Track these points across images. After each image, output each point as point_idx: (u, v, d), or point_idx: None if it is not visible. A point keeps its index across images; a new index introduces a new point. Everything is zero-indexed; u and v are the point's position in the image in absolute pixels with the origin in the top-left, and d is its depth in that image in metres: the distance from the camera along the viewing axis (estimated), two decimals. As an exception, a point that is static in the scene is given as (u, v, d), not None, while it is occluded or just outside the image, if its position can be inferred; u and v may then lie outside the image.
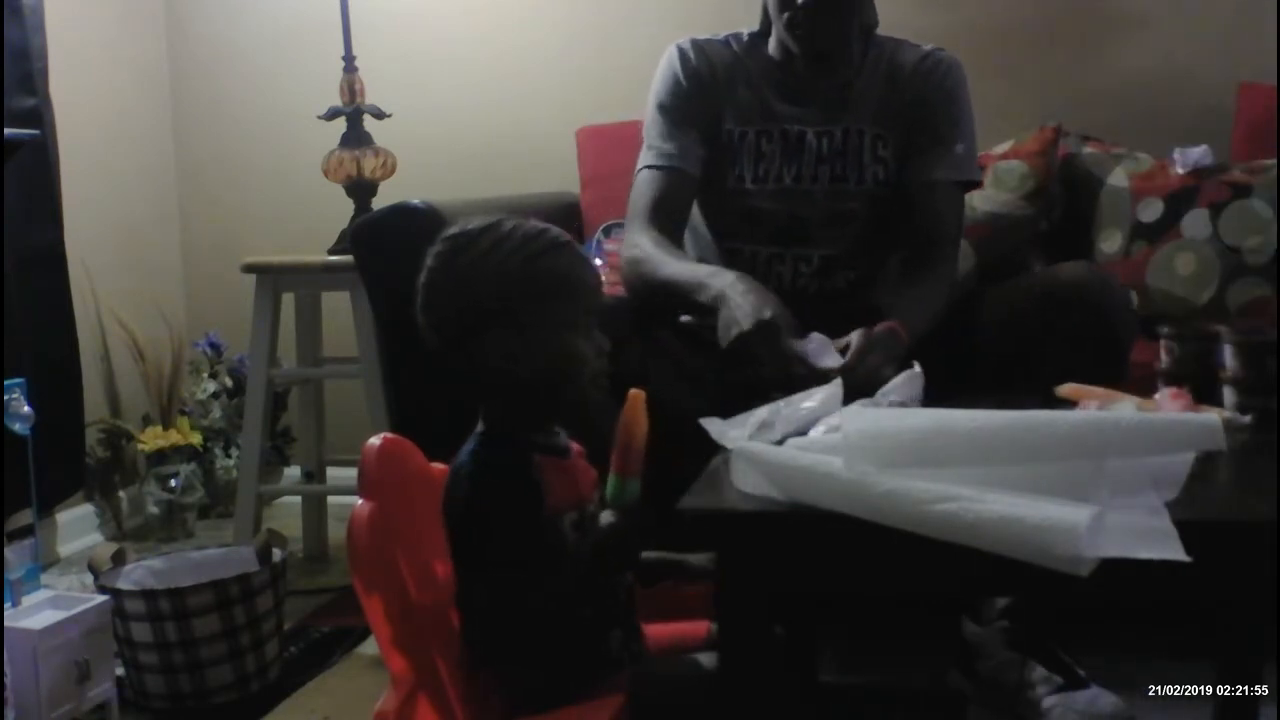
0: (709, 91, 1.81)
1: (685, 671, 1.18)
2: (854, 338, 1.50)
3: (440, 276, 1.18)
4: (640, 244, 1.75)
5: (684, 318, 1.89)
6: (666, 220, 1.77)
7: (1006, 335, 1.64)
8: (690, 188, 1.81)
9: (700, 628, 1.28)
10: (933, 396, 1.30)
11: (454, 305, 1.17)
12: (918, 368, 1.31)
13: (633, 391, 1.15)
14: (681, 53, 1.84)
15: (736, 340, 1.50)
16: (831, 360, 1.47)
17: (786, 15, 1.73)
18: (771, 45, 1.83)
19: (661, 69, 1.85)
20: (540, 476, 1.14)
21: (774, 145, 1.79)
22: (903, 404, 1.25)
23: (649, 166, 1.80)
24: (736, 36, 1.87)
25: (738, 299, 1.54)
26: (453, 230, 1.21)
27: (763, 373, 1.48)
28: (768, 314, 1.49)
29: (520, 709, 1.15)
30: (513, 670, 1.16)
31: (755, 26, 1.86)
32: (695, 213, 1.85)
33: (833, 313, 1.65)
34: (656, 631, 1.26)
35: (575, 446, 1.23)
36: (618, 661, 1.19)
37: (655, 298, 1.71)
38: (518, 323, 1.14)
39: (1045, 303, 1.62)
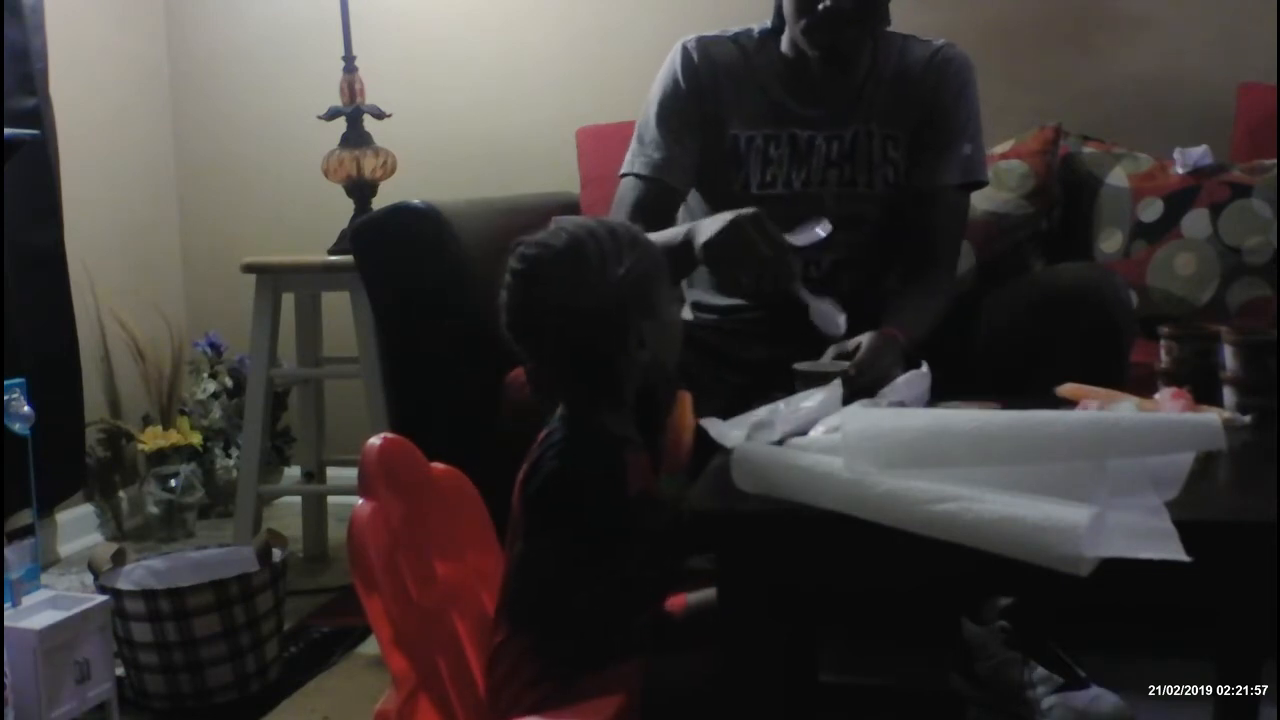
0: (709, 95, 1.78)
1: (696, 670, 1.19)
2: (864, 339, 1.49)
3: (571, 297, 1.19)
4: None
5: (688, 310, 1.88)
6: (647, 229, 1.75)
7: (1010, 335, 1.63)
8: (673, 200, 1.80)
9: (678, 602, 1.31)
10: (935, 396, 1.30)
11: (597, 315, 1.19)
12: (925, 368, 1.31)
13: (682, 393, 1.22)
14: (685, 53, 1.80)
15: (724, 231, 1.46)
16: (836, 328, 1.47)
17: (805, 20, 1.68)
18: (784, 45, 1.79)
19: (664, 68, 1.82)
20: (627, 469, 1.19)
21: (782, 150, 1.76)
22: (902, 404, 1.25)
23: (634, 174, 1.78)
24: (746, 33, 1.83)
25: (706, 220, 1.53)
26: (540, 256, 1.21)
27: (756, 267, 1.45)
28: (749, 210, 1.48)
29: (546, 679, 1.18)
30: (553, 636, 1.19)
31: (764, 22, 1.82)
32: (706, 215, 1.83)
33: (850, 319, 1.64)
34: None
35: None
36: (638, 647, 1.21)
37: None
38: (649, 310, 1.21)
39: (1050, 303, 1.60)
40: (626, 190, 1.79)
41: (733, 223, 1.46)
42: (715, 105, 1.79)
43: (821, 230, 1.50)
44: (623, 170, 1.81)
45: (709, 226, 1.50)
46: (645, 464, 1.24)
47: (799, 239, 1.49)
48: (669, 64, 1.82)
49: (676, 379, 1.34)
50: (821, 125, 1.77)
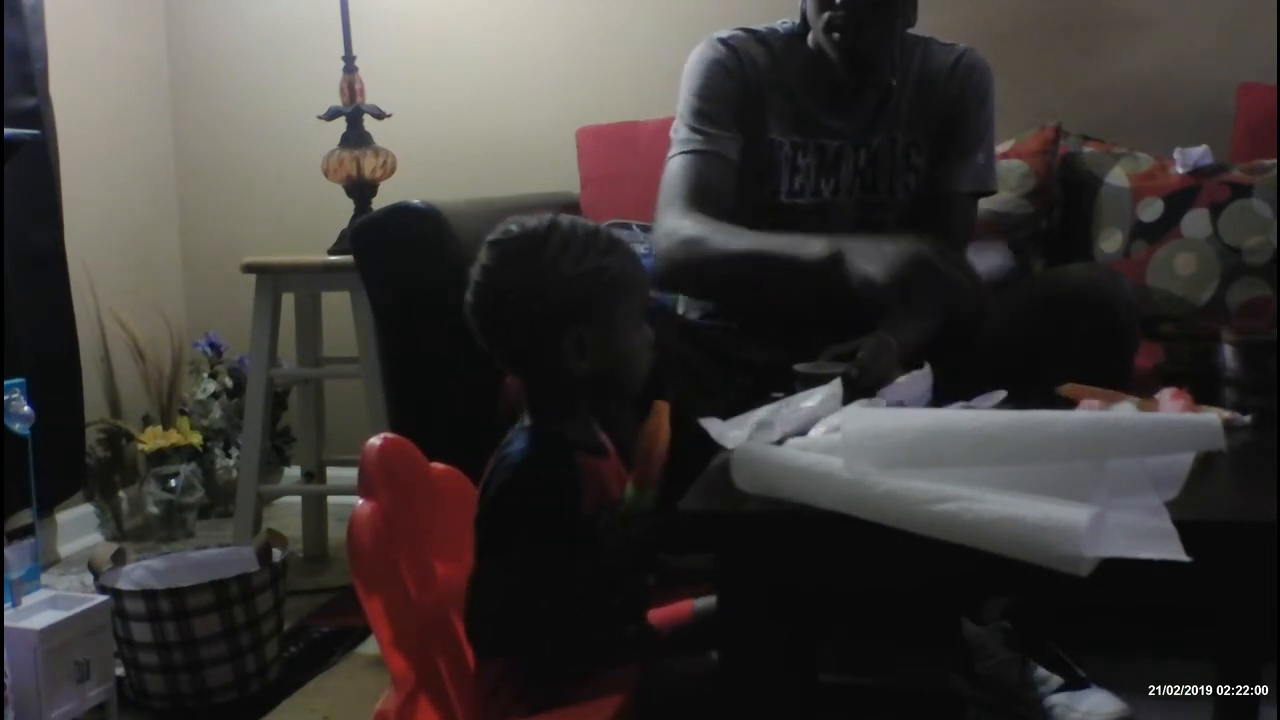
0: (752, 92, 1.74)
1: (691, 672, 1.18)
2: (864, 341, 1.49)
3: (514, 279, 1.17)
4: (685, 225, 1.65)
5: (688, 311, 1.88)
6: (706, 206, 1.68)
7: (1013, 335, 1.63)
8: (731, 176, 1.72)
9: (685, 608, 1.30)
10: (936, 396, 1.30)
11: (534, 306, 1.17)
12: (926, 368, 1.31)
13: (657, 402, 1.18)
14: (725, 45, 1.75)
15: (911, 266, 1.38)
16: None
17: (826, 16, 1.66)
18: (810, 42, 1.75)
19: (701, 61, 1.75)
20: (583, 475, 1.17)
21: (810, 159, 1.74)
22: (902, 404, 1.25)
23: (684, 152, 1.71)
24: (773, 32, 1.78)
25: (870, 242, 1.45)
26: (510, 233, 1.20)
27: (945, 293, 1.39)
28: (929, 247, 1.41)
29: (534, 690, 1.17)
30: (526, 653, 1.18)
31: (785, 21, 1.79)
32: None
33: (850, 320, 1.63)
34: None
35: (610, 447, 1.26)
36: (631, 653, 1.21)
37: (715, 273, 1.62)
38: (595, 320, 1.17)
39: (1055, 303, 1.60)
40: (678, 169, 1.71)
41: (921, 263, 1.39)
42: (755, 103, 1.74)
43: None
44: (673, 153, 1.74)
45: (874, 260, 1.42)
46: (606, 471, 1.22)
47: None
48: (706, 55, 1.75)
49: (701, 394, 1.32)
50: (848, 135, 1.75)
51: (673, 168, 1.73)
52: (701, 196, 1.68)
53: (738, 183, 1.73)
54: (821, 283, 1.48)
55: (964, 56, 1.79)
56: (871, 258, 1.44)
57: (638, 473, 1.17)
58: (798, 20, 1.78)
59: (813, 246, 1.51)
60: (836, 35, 1.66)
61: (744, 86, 1.74)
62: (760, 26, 1.80)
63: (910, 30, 1.78)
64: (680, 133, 1.75)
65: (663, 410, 1.18)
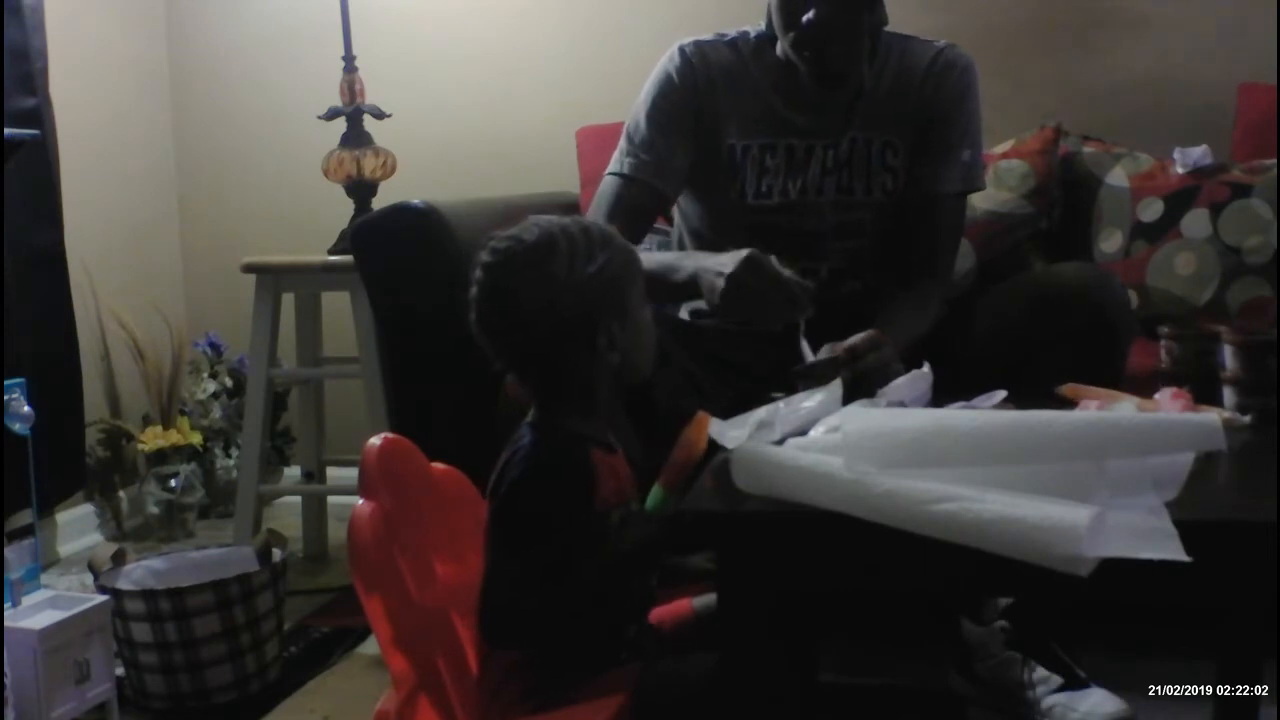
0: (706, 100, 1.76)
1: (690, 672, 1.18)
2: (859, 335, 1.49)
3: (533, 290, 1.17)
4: None
5: (685, 312, 1.88)
6: (626, 230, 1.73)
7: (1006, 334, 1.63)
8: (657, 203, 1.78)
9: (683, 606, 1.30)
10: (933, 396, 1.30)
11: (558, 313, 1.17)
12: (927, 367, 1.31)
13: (700, 413, 1.19)
14: (683, 56, 1.78)
15: (728, 283, 1.46)
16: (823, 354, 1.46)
17: (792, 35, 1.67)
18: (779, 50, 1.75)
19: (658, 70, 1.79)
20: (595, 471, 1.18)
21: (778, 160, 1.74)
22: (902, 404, 1.25)
23: (619, 174, 1.76)
24: (744, 36, 1.80)
25: (714, 260, 1.52)
26: (512, 248, 1.19)
27: (765, 310, 1.47)
28: (746, 251, 1.47)
29: (538, 689, 1.17)
30: (533, 650, 1.18)
31: (759, 25, 1.79)
32: (702, 222, 1.82)
33: (837, 323, 1.63)
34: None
35: (618, 444, 1.26)
36: (631, 652, 1.21)
37: None
38: (618, 312, 1.19)
39: (1046, 303, 1.61)
40: (608, 189, 1.77)
41: (732, 279, 1.46)
42: (712, 111, 1.76)
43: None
44: (609, 169, 1.79)
45: (715, 269, 1.50)
46: (619, 467, 1.23)
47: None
48: (664, 66, 1.79)
49: (696, 395, 1.32)
50: (818, 134, 1.75)
51: (604, 186, 1.79)
52: (621, 221, 1.71)
53: (704, 185, 1.77)
54: (685, 294, 1.60)
55: (943, 54, 1.78)
56: (708, 278, 1.51)
57: (669, 475, 1.17)
58: (765, 26, 1.78)
59: (682, 270, 1.59)
60: (806, 53, 1.67)
61: (696, 95, 1.76)
62: (732, 32, 1.81)
63: (893, 29, 1.78)
64: (622, 148, 1.78)
65: (704, 421, 1.18)
